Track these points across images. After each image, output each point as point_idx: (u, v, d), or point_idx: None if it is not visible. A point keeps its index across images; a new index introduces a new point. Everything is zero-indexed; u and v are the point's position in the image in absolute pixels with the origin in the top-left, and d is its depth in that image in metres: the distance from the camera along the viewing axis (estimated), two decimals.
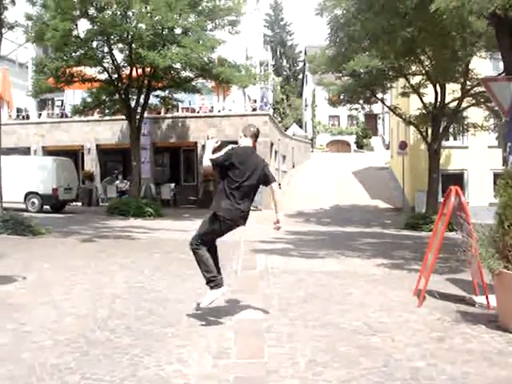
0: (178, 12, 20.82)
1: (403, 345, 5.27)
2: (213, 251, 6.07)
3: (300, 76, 74.54)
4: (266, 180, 6.03)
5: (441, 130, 22.12)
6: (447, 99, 22.10)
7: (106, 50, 22.69)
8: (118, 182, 29.16)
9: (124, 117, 24.54)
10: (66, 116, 32.27)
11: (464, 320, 6.17)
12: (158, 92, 25.69)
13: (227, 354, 4.96)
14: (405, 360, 4.83)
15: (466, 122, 24.74)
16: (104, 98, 25.15)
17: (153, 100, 26.08)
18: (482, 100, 21.65)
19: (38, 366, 4.55)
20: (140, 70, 23.00)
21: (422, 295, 7.01)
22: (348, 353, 5.02)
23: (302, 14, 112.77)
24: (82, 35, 21.58)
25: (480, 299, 6.93)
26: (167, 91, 25.95)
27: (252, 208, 6.27)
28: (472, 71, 21.72)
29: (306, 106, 65.32)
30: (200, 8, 22.22)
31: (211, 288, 5.87)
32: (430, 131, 22.84)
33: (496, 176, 24.13)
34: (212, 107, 32.30)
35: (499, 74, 16.47)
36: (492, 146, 26.94)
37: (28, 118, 33.40)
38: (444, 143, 24.48)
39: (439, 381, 4.35)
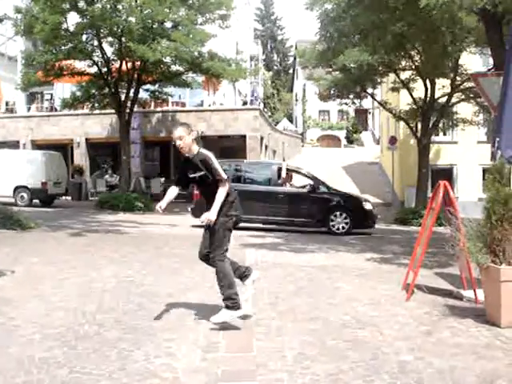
0: (168, 6, 20.74)
1: (391, 338, 5.30)
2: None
3: (290, 70, 74.36)
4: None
5: (430, 125, 22.19)
6: (437, 94, 22.14)
7: (95, 43, 22.51)
8: (107, 176, 29.01)
9: (114, 111, 24.41)
10: (56, 110, 32.06)
11: (452, 314, 6.21)
12: (148, 86, 25.57)
13: (216, 347, 4.97)
14: (393, 353, 4.86)
15: (455, 117, 24.86)
16: (93, 91, 24.94)
17: (142, 94, 25.92)
18: (472, 95, 21.71)
19: (26, 359, 4.54)
20: (130, 64, 22.86)
21: (411, 289, 7.05)
22: (336, 346, 5.05)
23: (293, 8, 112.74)
24: (71, 28, 21.41)
25: (468, 293, 6.97)
26: (157, 85, 25.83)
27: None
28: (462, 66, 21.78)
29: (297, 100, 65.23)
30: (190, 2, 22.13)
31: (228, 307, 5.49)
32: (419, 126, 22.91)
33: (485, 171, 24.22)
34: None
35: (489, 70, 16.58)
36: (481, 141, 27.04)
37: (15, 111, 33.13)
38: (433, 138, 24.57)
39: (427, 374, 4.38)
